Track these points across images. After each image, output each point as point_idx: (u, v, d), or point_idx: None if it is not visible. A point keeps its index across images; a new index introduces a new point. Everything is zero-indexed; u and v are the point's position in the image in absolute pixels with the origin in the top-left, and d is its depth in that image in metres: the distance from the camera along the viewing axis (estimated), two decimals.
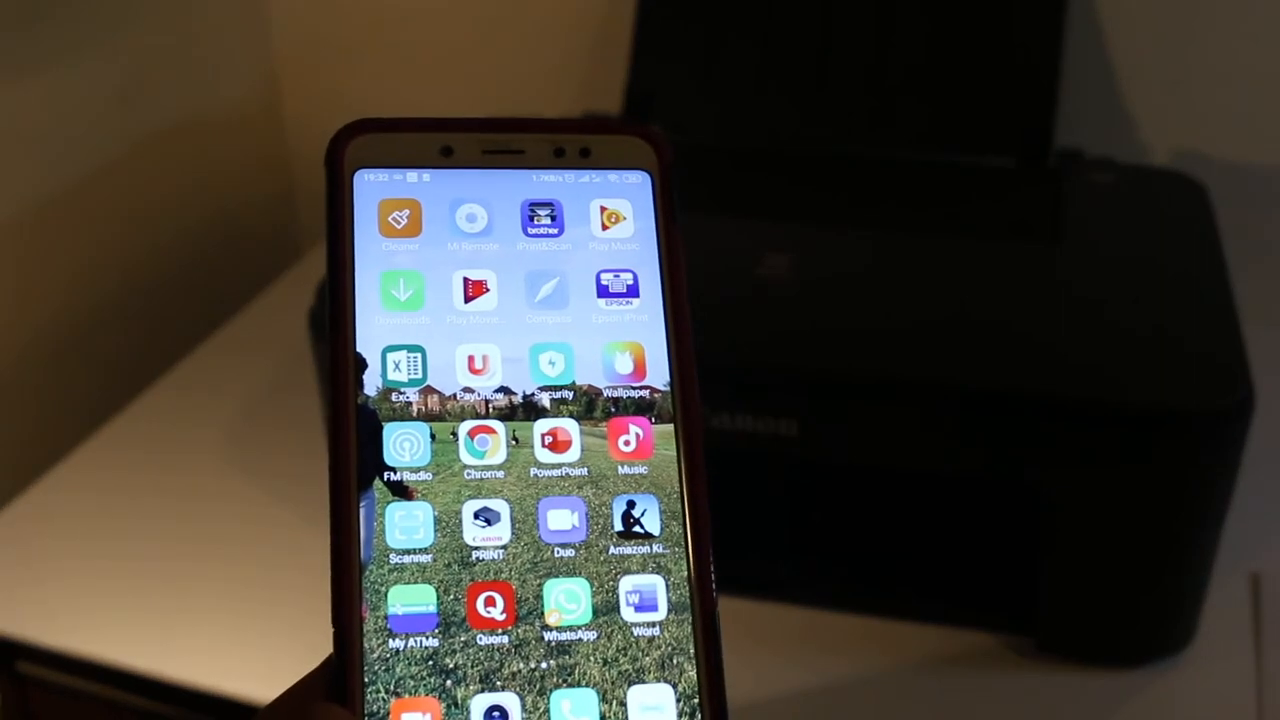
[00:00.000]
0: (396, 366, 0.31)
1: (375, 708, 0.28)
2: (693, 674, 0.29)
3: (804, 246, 0.71)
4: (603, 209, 0.32)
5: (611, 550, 0.30)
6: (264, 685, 0.67)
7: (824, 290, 0.68)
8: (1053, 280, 0.70)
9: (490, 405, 0.31)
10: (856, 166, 0.85)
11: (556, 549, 0.30)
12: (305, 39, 1.12)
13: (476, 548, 0.30)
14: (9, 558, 0.77)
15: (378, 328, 0.31)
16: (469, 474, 0.30)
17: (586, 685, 0.29)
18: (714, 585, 0.30)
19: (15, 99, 0.87)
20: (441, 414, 0.31)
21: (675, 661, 0.29)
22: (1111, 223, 0.76)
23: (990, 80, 0.86)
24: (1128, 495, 0.61)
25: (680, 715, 0.29)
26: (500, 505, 0.30)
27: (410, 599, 0.29)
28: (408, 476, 0.30)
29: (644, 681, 0.29)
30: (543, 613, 0.29)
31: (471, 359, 0.31)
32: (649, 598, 0.30)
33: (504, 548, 0.30)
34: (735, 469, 0.68)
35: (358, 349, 0.30)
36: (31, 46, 0.88)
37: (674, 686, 0.29)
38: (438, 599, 0.29)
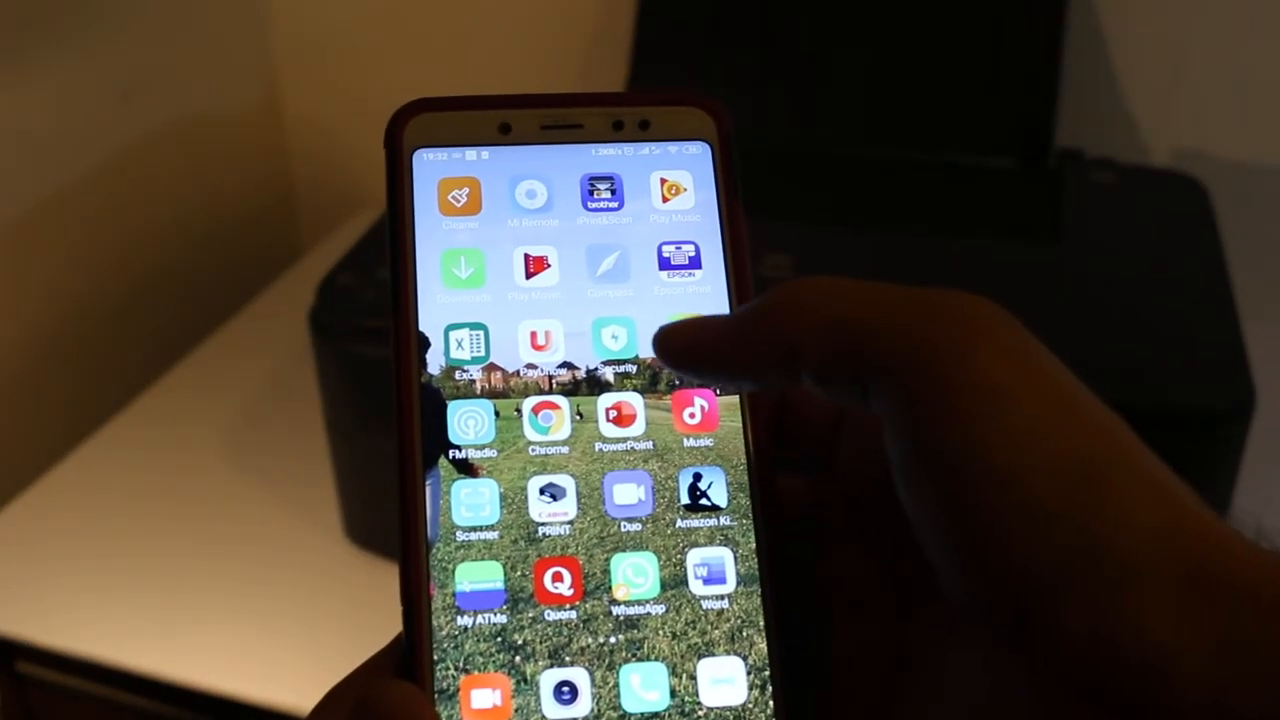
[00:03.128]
0: (459, 345, 0.30)
1: (444, 685, 0.28)
2: (762, 646, 0.29)
3: (804, 246, 0.71)
4: (663, 181, 0.32)
5: (679, 524, 0.30)
6: (264, 685, 0.67)
7: None
8: (1052, 280, 0.70)
9: (554, 381, 0.31)
10: (856, 166, 0.85)
11: (623, 523, 0.30)
12: (305, 38, 1.12)
13: (543, 524, 0.30)
14: (9, 558, 0.77)
15: (440, 306, 0.31)
16: (534, 450, 0.30)
17: (655, 659, 0.28)
18: (783, 556, 0.29)
19: (15, 99, 0.87)
20: (505, 391, 0.30)
21: (745, 634, 0.29)
22: (1111, 223, 0.76)
23: (990, 80, 0.86)
24: None
25: (751, 688, 0.28)
26: (566, 480, 0.30)
27: (478, 576, 0.29)
28: (473, 454, 0.30)
29: (713, 654, 0.29)
30: (610, 587, 0.29)
31: (534, 335, 0.31)
32: (717, 570, 0.29)
33: (570, 523, 0.30)
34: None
35: (420, 328, 0.30)
36: (31, 46, 0.88)
37: (744, 659, 0.29)
38: (505, 575, 0.29)
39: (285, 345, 0.89)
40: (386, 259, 0.31)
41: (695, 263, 0.32)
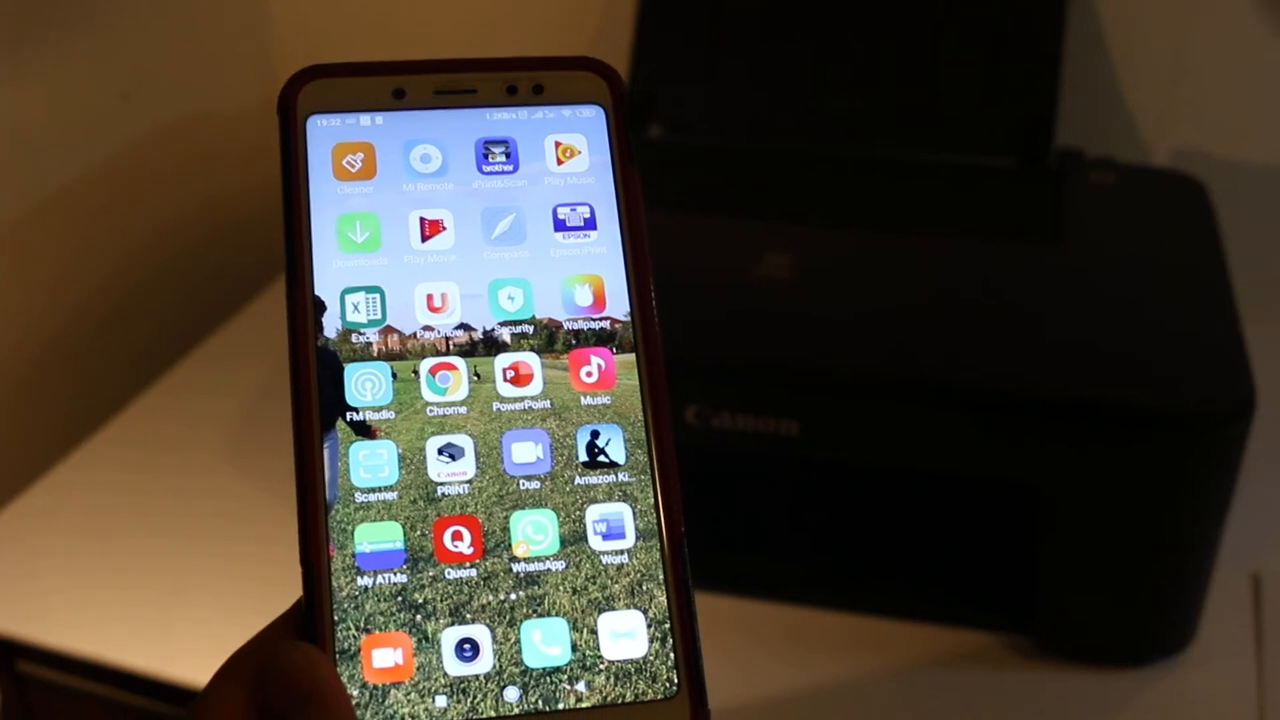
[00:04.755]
0: (355, 308, 0.31)
1: (346, 645, 0.28)
2: (663, 599, 0.29)
3: (804, 246, 0.71)
4: (557, 144, 0.32)
5: (577, 480, 0.30)
6: None
7: (824, 290, 0.68)
8: (1053, 280, 0.70)
9: (451, 342, 0.31)
10: (856, 166, 0.85)
11: (522, 481, 0.30)
12: (305, 38, 1.12)
13: (442, 483, 0.30)
14: (9, 558, 0.77)
15: (335, 271, 0.31)
16: (431, 411, 0.31)
17: (556, 615, 0.29)
18: (681, 511, 0.30)
19: (15, 99, 0.87)
20: (402, 353, 0.31)
21: (645, 588, 0.29)
22: (1111, 222, 0.76)
23: (990, 80, 0.85)
24: (1128, 495, 0.61)
25: (651, 640, 0.29)
26: (464, 440, 0.30)
27: (377, 536, 0.29)
28: (370, 416, 0.31)
29: (614, 609, 0.29)
30: (510, 545, 0.29)
31: (430, 297, 0.31)
32: (616, 526, 0.30)
33: (469, 482, 0.30)
34: (735, 468, 0.68)
35: (316, 292, 0.31)
36: (31, 46, 0.88)
37: (644, 613, 0.29)
38: (404, 535, 0.29)
39: (285, 345, 0.89)
40: (282, 229, 0.31)
41: (590, 224, 0.32)
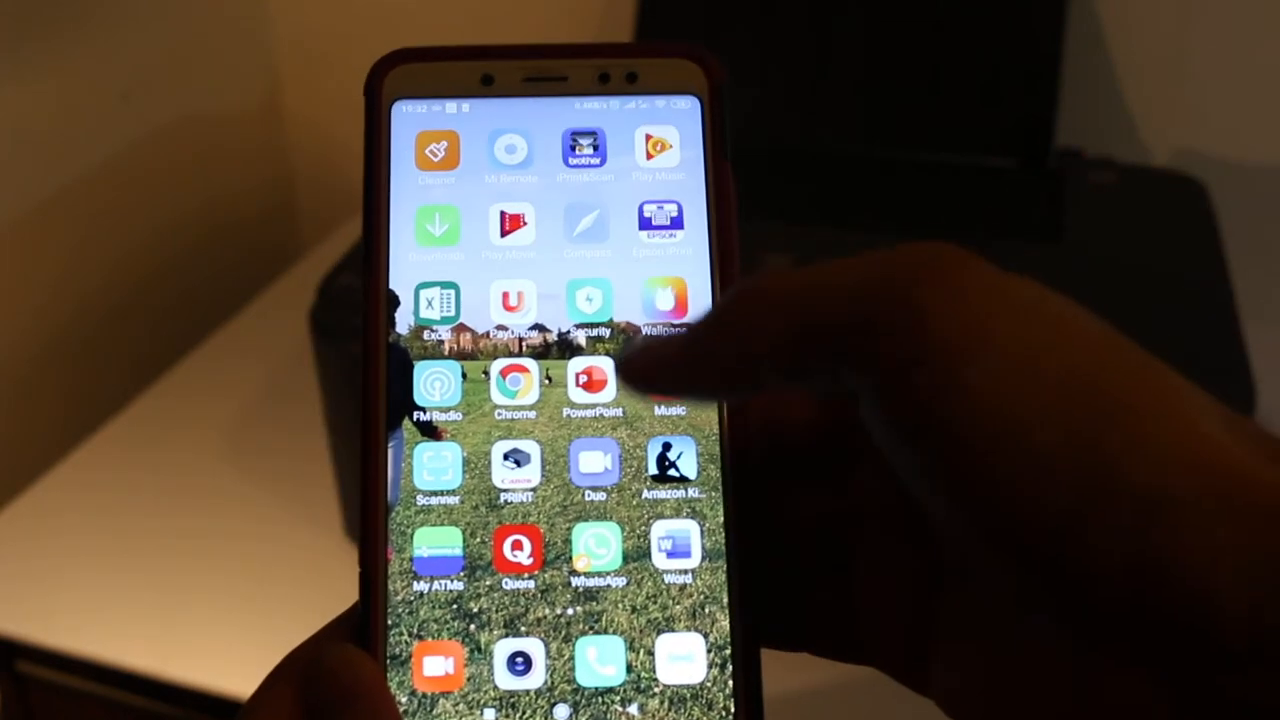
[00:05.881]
0: (429, 304, 0.30)
1: (397, 651, 0.27)
2: (725, 624, 0.28)
3: (804, 246, 0.71)
4: (648, 136, 0.31)
5: (645, 494, 0.29)
6: None
7: None
8: (1052, 280, 0.69)
9: (524, 343, 0.30)
10: (856, 166, 0.85)
11: (587, 492, 0.29)
12: (305, 38, 1.12)
13: (505, 490, 0.29)
14: (9, 558, 0.77)
15: (411, 264, 0.30)
16: (500, 414, 0.29)
17: (613, 633, 0.28)
18: (752, 531, 0.28)
19: (15, 99, 0.87)
20: (473, 352, 0.30)
21: (707, 611, 0.28)
22: (1111, 222, 0.76)
23: (990, 81, 0.86)
24: None
25: (710, 666, 0.27)
26: (531, 446, 0.29)
27: (436, 541, 0.28)
28: (437, 416, 0.29)
29: (673, 630, 0.28)
30: (570, 558, 0.28)
31: (506, 295, 0.30)
32: (682, 544, 0.28)
33: (533, 490, 0.29)
34: None
35: (390, 286, 0.29)
36: (32, 46, 0.88)
37: (705, 636, 0.28)
38: (464, 542, 0.28)
39: (285, 345, 0.89)
40: (361, 214, 0.30)
41: (677, 223, 0.30)
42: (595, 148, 0.31)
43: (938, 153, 0.86)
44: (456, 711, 0.27)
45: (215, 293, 1.04)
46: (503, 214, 0.30)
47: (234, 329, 0.99)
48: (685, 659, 0.28)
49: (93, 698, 0.72)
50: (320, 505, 0.76)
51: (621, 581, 0.28)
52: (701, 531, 0.28)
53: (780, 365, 0.24)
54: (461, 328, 0.30)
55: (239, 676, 0.68)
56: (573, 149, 0.31)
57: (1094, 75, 0.93)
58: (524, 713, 0.27)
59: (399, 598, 0.28)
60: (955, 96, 0.86)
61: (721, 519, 0.28)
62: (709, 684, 0.27)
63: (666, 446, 0.29)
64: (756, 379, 0.25)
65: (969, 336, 0.21)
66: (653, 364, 0.26)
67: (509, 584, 0.28)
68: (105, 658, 0.69)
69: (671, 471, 0.29)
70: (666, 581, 0.28)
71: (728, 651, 0.27)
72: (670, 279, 0.30)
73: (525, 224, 0.30)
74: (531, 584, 0.28)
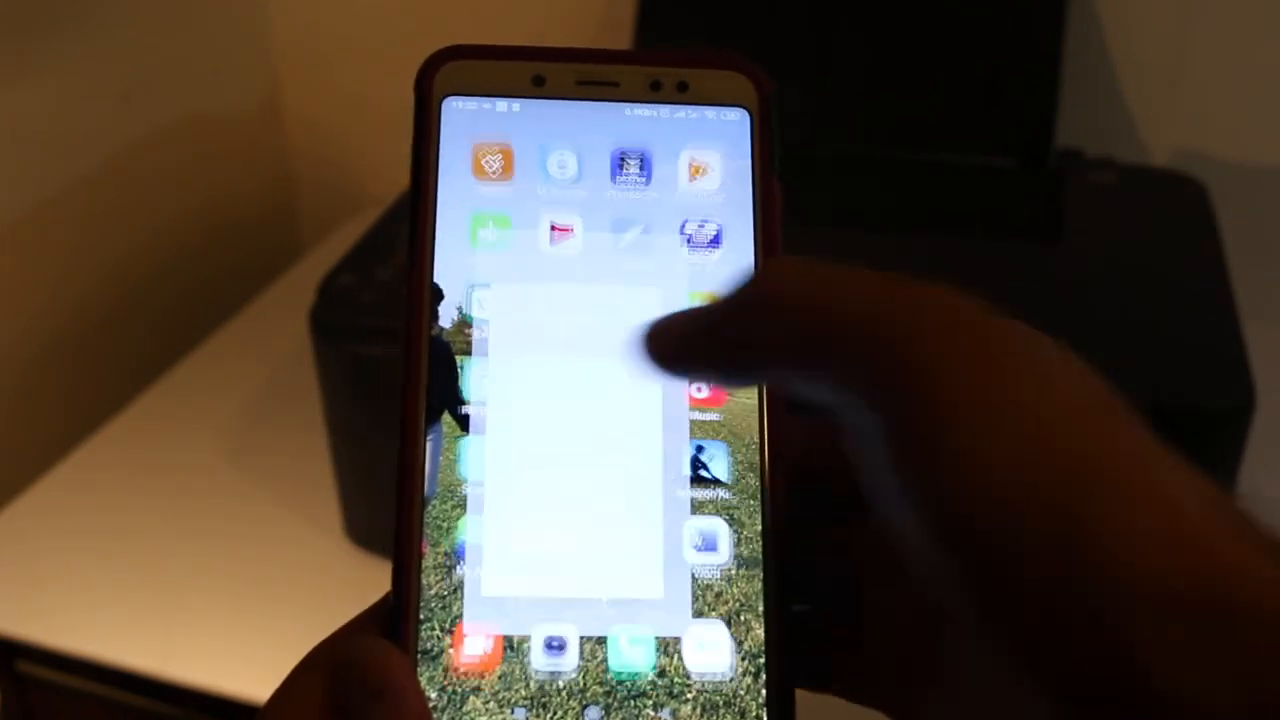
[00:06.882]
0: (481, 304, 0.30)
1: (429, 645, 0.27)
2: (759, 632, 0.28)
3: (804, 247, 0.71)
4: (696, 150, 0.31)
5: (677, 494, 0.29)
6: (264, 685, 0.66)
7: None
8: (1052, 280, 0.70)
9: None
10: (856, 166, 0.85)
11: None
12: (305, 38, 1.12)
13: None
14: (9, 558, 0.77)
15: (460, 265, 0.30)
16: None
17: (648, 630, 0.28)
18: (788, 539, 0.28)
19: (15, 99, 0.87)
20: None
21: (743, 618, 0.28)
22: (1111, 222, 0.76)
23: (990, 80, 0.86)
24: None
25: (744, 674, 0.28)
26: None
27: (471, 535, 0.28)
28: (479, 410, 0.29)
29: (708, 635, 0.28)
30: None
31: None
32: (710, 540, 0.29)
33: None
34: None
35: (435, 280, 0.30)
36: (32, 46, 0.88)
37: (739, 643, 0.28)
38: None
39: (285, 345, 0.89)
40: (408, 209, 0.30)
41: (720, 239, 0.31)
42: (643, 160, 0.31)
43: (938, 153, 0.86)
44: (487, 709, 0.27)
45: (215, 293, 1.04)
46: (553, 225, 0.31)
47: (234, 329, 0.99)
48: (713, 645, 0.28)
49: (93, 698, 0.72)
50: (320, 505, 0.76)
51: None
52: (737, 537, 0.29)
53: (786, 362, 0.24)
54: None
55: (239, 676, 0.68)
56: (621, 167, 0.31)
57: (1094, 75, 0.93)
58: (555, 713, 0.27)
59: (432, 591, 0.28)
60: (956, 97, 0.86)
61: (759, 526, 0.29)
62: (742, 692, 0.28)
63: (699, 450, 0.30)
64: (758, 375, 0.25)
65: (960, 398, 0.22)
66: (665, 342, 0.26)
67: None
68: (105, 658, 0.69)
69: (703, 473, 0.29)
70: (703, 584, 0.28)
71: (761, 660, 0.28)
72: (713, 294, 0.30)
73: (573, 234, 0.31)
74: None
